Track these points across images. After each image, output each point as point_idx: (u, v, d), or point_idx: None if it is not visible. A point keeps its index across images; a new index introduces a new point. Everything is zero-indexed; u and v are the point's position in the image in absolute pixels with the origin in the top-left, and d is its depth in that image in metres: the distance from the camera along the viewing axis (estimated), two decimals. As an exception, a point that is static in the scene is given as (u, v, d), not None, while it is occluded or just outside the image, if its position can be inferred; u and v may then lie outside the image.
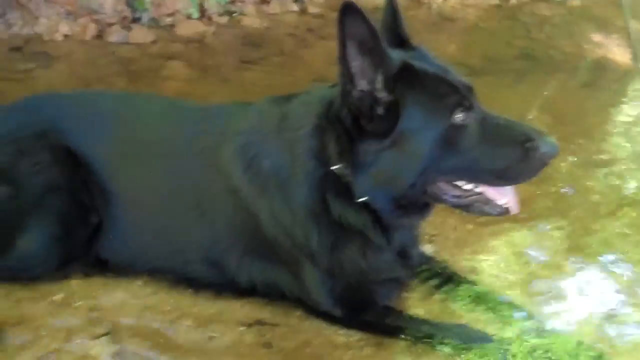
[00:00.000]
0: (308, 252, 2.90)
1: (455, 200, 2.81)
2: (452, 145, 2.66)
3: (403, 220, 2.94)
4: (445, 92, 2.67)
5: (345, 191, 2.79)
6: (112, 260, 3.25)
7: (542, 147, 2.62)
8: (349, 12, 2.49)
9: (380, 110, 2.65)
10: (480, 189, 2.79)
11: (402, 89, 2.65)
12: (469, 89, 2.75)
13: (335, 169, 2.77)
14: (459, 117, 2.64)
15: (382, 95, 2.65)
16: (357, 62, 2.59)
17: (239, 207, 3.00)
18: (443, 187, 2.77)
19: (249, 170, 2.96)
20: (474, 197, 2.80)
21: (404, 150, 2.66)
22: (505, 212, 2.82)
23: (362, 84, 2.63)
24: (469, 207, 2.84)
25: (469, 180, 2.77)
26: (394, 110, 2.65)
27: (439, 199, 2.83)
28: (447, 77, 2.73)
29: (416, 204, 2.86)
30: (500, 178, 2.73)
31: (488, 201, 2.80)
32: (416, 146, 2.66)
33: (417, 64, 2.73)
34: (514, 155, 2.66)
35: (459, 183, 2.78)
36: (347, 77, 2.62)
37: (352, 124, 2.69)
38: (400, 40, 2.90)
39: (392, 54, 2.70)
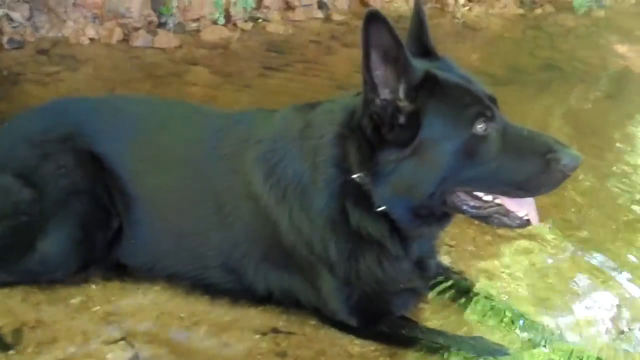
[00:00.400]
0: (326, 260, 2.91)
1: (474, 211, 2.78)
2: (473, 155, 2.64)
3: (422, 230, 2.92)
4: (467, 102, 2.65)
5: (364, 200, 2.78)
6: (131, 264, 3.27)
7: (563, 159, 2.57)
8: (373, 21, 2.49)
9: (401, 120, 2.65)
10: (500, 200, 2.76)
11: (424, 98, 2.64)
12: (492, 100, 2.73)
13: (356, 177, 2.77)
14: (480, 127, 2.62)
15: (404, 104, 2.64)
16: (380, 71, 2.59)
17: (259, 213, 3.01)
18: (462, 197, 2.75)
19: (270, 177, 2.96)
20: (493, 208, 2.77)
21: (424, 160, 2.65)
22: (525, 224, 2.79)
23: (384, 93, 2.63)
24: (488, 219, 2.81)
25: (489, 191, 2.74)
26: (415, 120, 2.64)
27: (458, 209, 2.80)
28: (469, 87, 2.71)
29: (435, 214, 2.84)
30: (520, 189, 2.68)
31: (507, 213, 2.76)
32: (436, 156, 2.65)
33: (440, 73, 2.71)
34: (535, 167, 2.62)
35: (479, 194, 2.76)
36: (370, 85, 2.61)
37: (372, 133, 2.69)
38: (426, 50, 2.89)
39: (417, 63, 2.69)
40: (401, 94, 2.63)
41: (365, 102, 2.66)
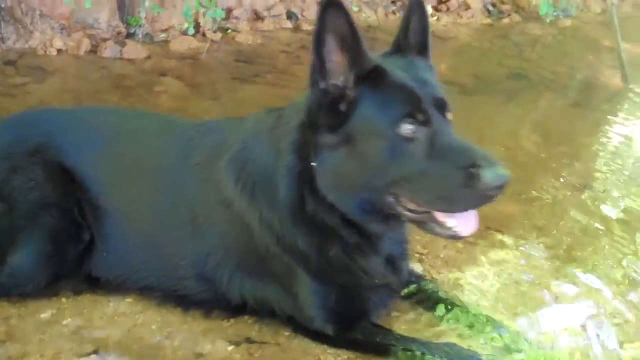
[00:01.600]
0: (298, 254, 2.89)
1: (409, 214, 2.70)
2: (396, 156, 2.59)
3: (375, 226, 2.86)
4: (400, 101, 2.61)
5: (317, 187, 2.79)
6: (103, 277, 3.24)
7: (485, 175, 2.43)
8: (330, 7, 2.49)
9: (342, 107, 2.65)
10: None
11: (363, 90, 2.64)
12: (439, 105, 2.66)
13: (313, 164, 2.77)
14: (407, 128, 2.57)
15: (350, 92, 2.64)
16: (333, 57, 2.59)
17: (232, 219, 3.01)
18: (399, 199, 2.68)
19: (240, 178, 2.96)
20: (424, 215, 2.67)
21: (353, 151, 2.64)
22: (454, 235, 2.66)
23: (333, 79, 2.63)
24: (422, 225, 2.72)
25: (415, 198, 2.64)
26: (351, 108, 2.65)
27: (396, 211, 2.72)
28: (412, 87, 2.65)
29: (380, 211, 2.78)
30: (441, 202, 2.59)
31: (437, 222, 2.65)
32: (364, 149, 2.64)
33: (390, 69, 2.70)
34: (455, 180, 2.50)
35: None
36: (319, 69, 2.61)
37: (315, 117, 2.71)
38: (401, 47, 2.88)
39: (377, 58, 2.72)
40: (350, 83, 2.63)
41: (312, 84, 2.66)
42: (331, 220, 2.82)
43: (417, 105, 2.59)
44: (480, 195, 2.48)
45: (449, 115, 2.71)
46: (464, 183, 2.47)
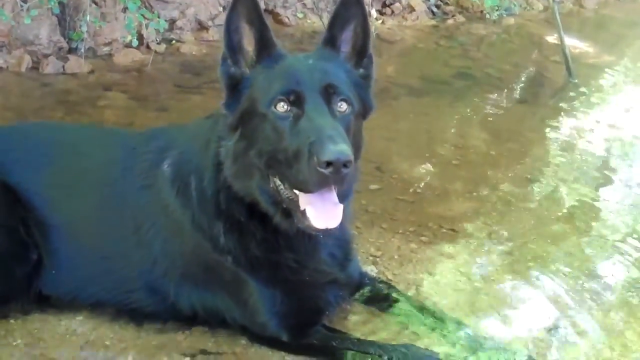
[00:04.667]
0: (228, 253, 2.87)
1: (288, 202, 2.66)
2: (272, 133, 2.62)
3: (277, 218, 2.75)
4: (280, 82, 2.66)
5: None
6: (53, 295, 3.17)
7: (318, 152, 2.43)
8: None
9: (240, 87, 2.75)
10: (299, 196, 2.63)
11: (257, 71, 2.75)
12: (326, 91, 2.65)
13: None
14: (281, 106, 2.61)
15: (247, 74, 2.76)
16: (243, 43, 2.74)
17: (171, 225, 2.99)
18: (277, 183, 2.66)
19: (176, 181, 2.96)
20: (293, 203, 2.63)
21: (244, 132, 2.72)
22: (311, 227, 2.59)
23: (241, 64, 2.76)
24: (295, 219, 2.67)
25: (284, 179, 2.63)
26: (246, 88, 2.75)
27: (281, 199, 2.67)
28: (296, 71, 2.70)
29: (275, 200, 2.71)
30: (295, 180, 2.56)
31: (299, 211, 2.60)
32: (249, 127, 2.70)
33: (288, 56, 2.81)
34: (301, 157, 2.50)
35: (277, 181, 2.67)
36: (230, 55, 2.75)
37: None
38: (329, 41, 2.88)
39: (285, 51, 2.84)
40: (247, 66, 2.77)
41: (222, 64, 2.78)
42: (239, 213, 2.83)
43: (292, 86, 2.64)
44: (317, 172, 2.44)
45: (338, 101, 2.68)
46: (306, 159, 2.47)
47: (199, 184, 2.88)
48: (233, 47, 2.73)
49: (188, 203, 2.90)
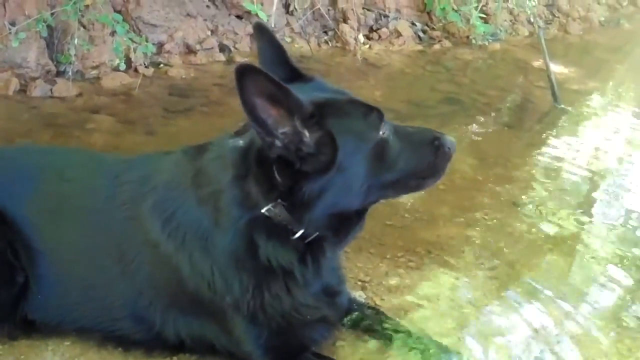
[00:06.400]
0: (230, 299, 2.85)
1: None
2: (383, 158, 2.74)
3: (344, 240, 2.93)
4: (365, 112, 2.75)
5: (276, 230, 2.76)
6: (40, 320, 3.14)
7: (447, 143, 2.88)
8: (246, 74, 2.44)
9: (308, 149, 2.62)
10: None
11: (326, 123, 2.64)
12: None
13: (265, 211, 2.73)
14: (383, 128, 2.75)
15: (306, 135, 2.62)
16: (271, 114, 2.54)
17: (159, 261, 2.96)
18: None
19: (168, 224, 2.91)
20: None
21: (346, 177, 2.68)
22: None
23: (282, 131, 2.59)
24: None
25: (402, 191, 3.06)
26: (324, 145, 2.64)
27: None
28: (356, 99, 2.83)
29: (359, 216, 2.90)
30: (424, 177, 2.93)
31: None
32: (356, 168, 2.69)
33: (325, 96, 2.75)
34: (430, 154, 2.86)
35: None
36: (265, 132, 2.56)
37: (285, 169, 2.65)
38: (294, 73, 2.91)
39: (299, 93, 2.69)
40: (299, 128, 2.61)
41: (266, 147, 2.61)
42: (287, 260, 2.81)
43: (375, 109, 2.78)
44: (448, 158, 2.90)
45: None
46: (436, 154, 2.87)
47: (203, 237, 2.85)
48: (265, 123, 2.56)
49: (183, 247, 2.87)
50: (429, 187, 3.02)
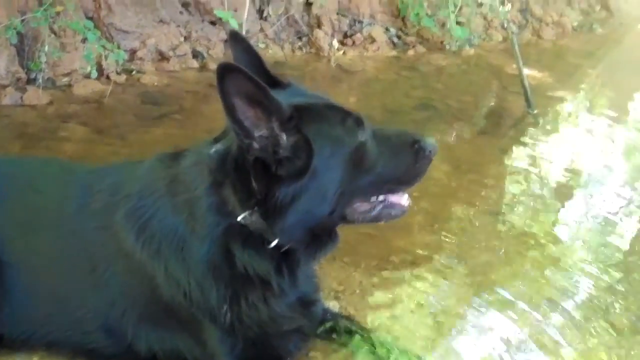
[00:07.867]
0: (206, 308, 2.82)
1: (364, 215, 2.87)
2: (360, 163, 2.72)
3: (317, 253, 2.87)
4: (344, 117, 2.72)
5: (252, 239, 2.73)
6: (7, 335, 3.09)
7: (428, 146, 2.84)
8: (227, 73, 2.42)
9: (285, 153, 2.60)
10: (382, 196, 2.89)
11: (303, 127, 2.62)
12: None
13: (240, 219, 2.70)
14: (361, 133, 2.72)
15: (283, 138, 2.60)
16: (250, 116, 2.52)
17: (133, 270, 2.92)
18: (356, 206, 2.82)
19: (142, 233, 2.87)
20: (380, 205, 2.89)
21: (321, 182, 2.65)
22: (406, 208, 2.95)
23: (259, 134, 2.56)
24: (377, 218, 2.91)
25: (377, 193, 2.86)
26: (300, 149, 2.61)
27: (352, 220, 2.85)
28: (333, 104, 2.81)
29: (330, 231, 2.87)
30: (402, 182, 2.89)
31: (392, 205, 2.91)
32: (331, 174, 2.66)
33: (303, 101, 2.74)
34: (409, 158, 2.83)
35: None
36: (243, 133, 2.53)
37: (262, 173, 2.62)
38: (270, 79, 2.87)
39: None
40: (277, 130, 2.58)
41: (243, 148, 2.58)
42: (263, 269, 2.78)
43: (353, 114, 2.76)
44: (427, 161, 2.87)
45: None
46: (416, 157, 2.83)
47: (179, 246, 2.81)
48: (243, 124, 2.54)
49: (158, 256, 2.83)
50: (406, 191, 2.96)
